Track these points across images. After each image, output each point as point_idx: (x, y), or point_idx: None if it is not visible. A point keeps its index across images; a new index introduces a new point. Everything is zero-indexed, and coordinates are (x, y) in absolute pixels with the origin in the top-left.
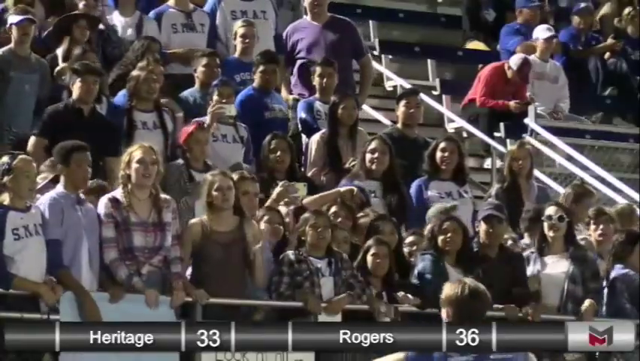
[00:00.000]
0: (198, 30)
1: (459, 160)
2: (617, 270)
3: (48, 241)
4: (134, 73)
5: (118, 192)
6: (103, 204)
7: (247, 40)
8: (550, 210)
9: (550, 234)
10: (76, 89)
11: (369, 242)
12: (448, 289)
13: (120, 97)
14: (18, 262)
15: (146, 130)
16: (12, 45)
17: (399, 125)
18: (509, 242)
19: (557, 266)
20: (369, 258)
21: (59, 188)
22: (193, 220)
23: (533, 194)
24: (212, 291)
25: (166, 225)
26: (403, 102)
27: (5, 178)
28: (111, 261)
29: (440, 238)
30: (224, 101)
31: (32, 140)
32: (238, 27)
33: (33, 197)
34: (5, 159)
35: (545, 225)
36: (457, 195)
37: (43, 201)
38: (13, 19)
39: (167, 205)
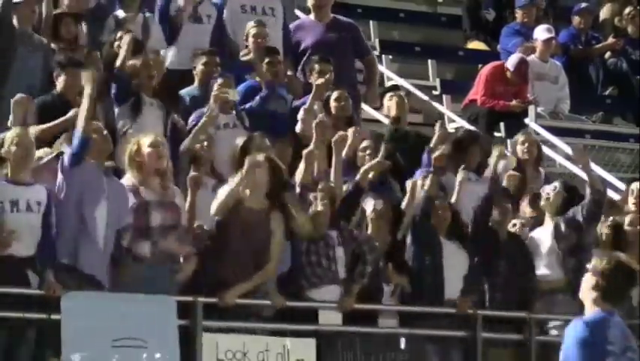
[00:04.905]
0: (204, 21)
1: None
2: None
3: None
4: (131, 62)
5: (128, 178)
6: None
7: (260, 41)
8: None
9: (544, 206)
10: (60, 82)
11: (368, 210)
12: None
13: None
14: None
15: (152, 107)
16: (16, 23)
17: (388, 120)
18: (516, 227)
19: (544, 230)
20: (369, 221)
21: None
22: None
23: (540, 182)
24: (227, 274)
25: (178, 206)
26: (387, 96)
27: (2, 150)
28: (129, 240)
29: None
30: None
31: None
32: (250, 27)
33: (31, 169)
34: (4, 133)
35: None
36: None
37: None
38: None
39: (174, 193)
